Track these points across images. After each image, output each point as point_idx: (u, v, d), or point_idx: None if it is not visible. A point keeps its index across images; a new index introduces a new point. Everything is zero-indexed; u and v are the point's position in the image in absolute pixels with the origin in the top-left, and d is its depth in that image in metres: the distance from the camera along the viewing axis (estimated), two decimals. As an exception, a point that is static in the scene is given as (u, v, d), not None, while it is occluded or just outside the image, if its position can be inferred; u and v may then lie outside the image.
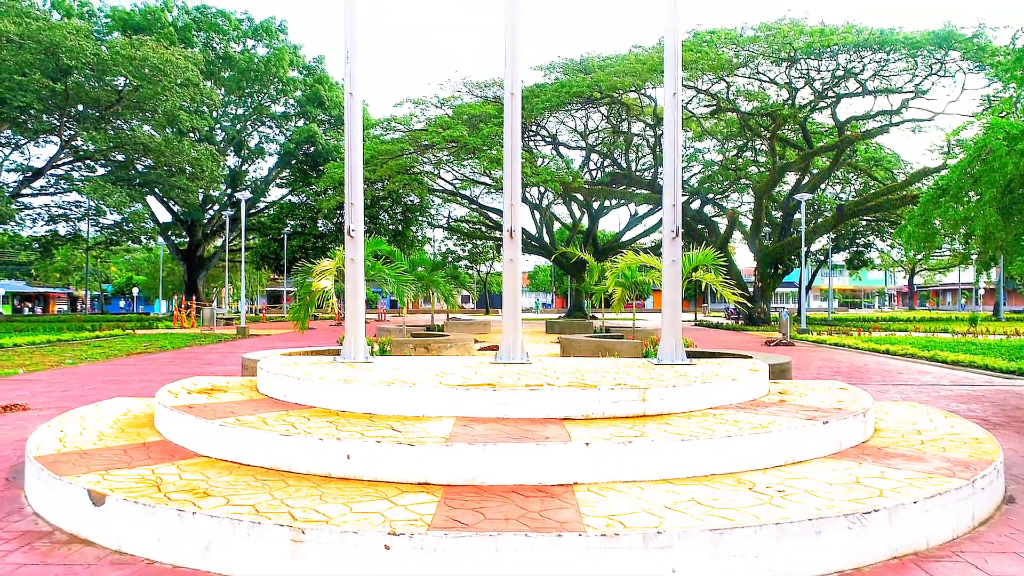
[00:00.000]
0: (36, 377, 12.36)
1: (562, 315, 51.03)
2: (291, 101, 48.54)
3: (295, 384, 6.44)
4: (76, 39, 30.25)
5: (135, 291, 73.43)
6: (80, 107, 34.27)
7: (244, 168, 50.09)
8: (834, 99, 31.85)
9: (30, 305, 70.90)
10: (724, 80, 32.22)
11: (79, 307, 72.63)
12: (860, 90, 30.92)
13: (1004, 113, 13.69)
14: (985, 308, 63.55)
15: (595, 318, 35.03)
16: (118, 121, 35.88)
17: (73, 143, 36.68)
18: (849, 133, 32.33)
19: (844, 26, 28.21)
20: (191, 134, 41.13)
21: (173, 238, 50.31)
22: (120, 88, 33.45)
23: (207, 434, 5.22)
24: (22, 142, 37.62)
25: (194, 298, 42.14)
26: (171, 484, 4.32)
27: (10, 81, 28.91)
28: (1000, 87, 23.50)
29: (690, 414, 5.75)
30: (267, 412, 5.81)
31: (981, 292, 73.98)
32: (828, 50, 28.12)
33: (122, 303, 78.84)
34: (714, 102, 33.98)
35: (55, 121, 34.31)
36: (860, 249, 48.35)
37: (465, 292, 79.63)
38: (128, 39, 33.49)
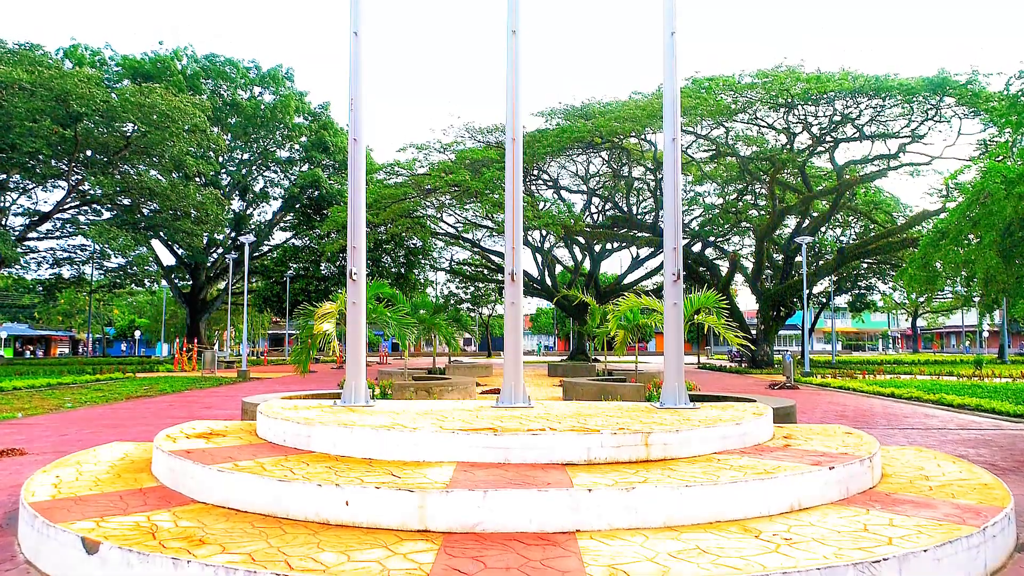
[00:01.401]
0: (34, 421, 12.27)
1: (564, 358, 50.81)
2: (296, 146, 49.21)
3: (294, 429, 6.38)
4: (87, 87, 30.85)
5: (137, 334, 73.41)
6: (88, 152, 34.77)
7: (248, 212, 50.55)
8: (832, 144, 32.23)
9: (31, 348, 70.84)
10: (723, 125, 32.67)
11: (80, 350, 72.55)
12: (857, 135, 31.30)
13: (1001, 157, 13.85)
14: (989, 351, 63.20)
15: (597, 361, 34.88)
16: (125, 166, 36.34)
17: (80, 187, 37.11)
18: (848, 177, 32.62)
19: (840, 73, 28.71)
20: (197, 178, 41.62)
21: (176, 281, 50.49)
22: (128, 134, 33.98)
23: (204, 480, 5.15)
24: (30, 187, 38.05)
25: (196, 341, 42.07)
26: (166, 531, 4.24)
27: (21, 127, 29.39)
28: (995, 132, 23.81)
29: (694, 459, 5.67)
30: (266, 457, 5.75)
31: (985, 335, 73.65)
32: (825, 96, 28.56)
33: (124, 346, 78.75)
34: (713, 147, 34.39)
35: (63, 166, 34.78)
36: (862, 292, 48.35)
37: (467, 335, 79.55)
38: (138, 86, 34.14)
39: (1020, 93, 13.70)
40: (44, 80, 29.82)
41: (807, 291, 31.01)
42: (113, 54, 42.84)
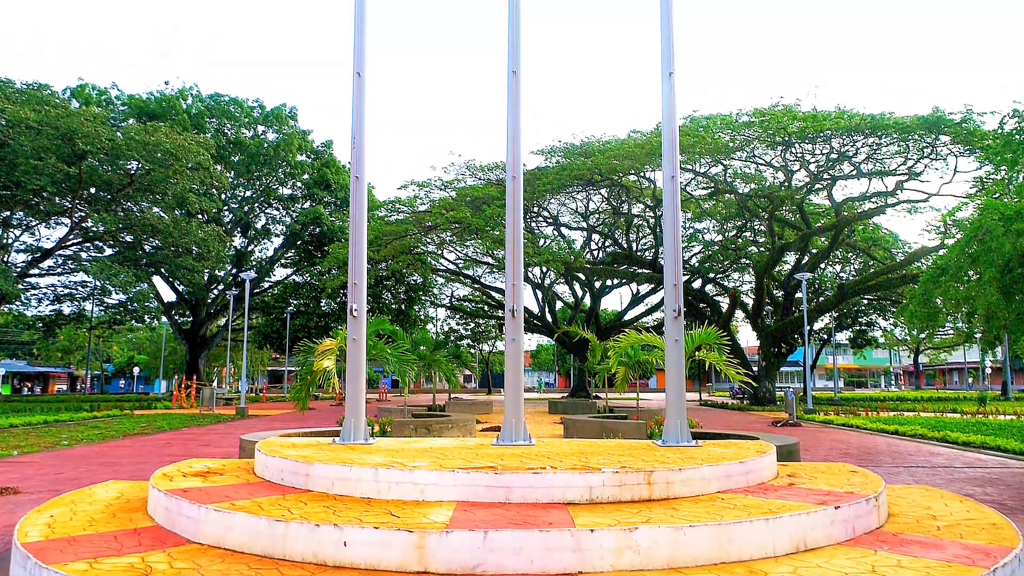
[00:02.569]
0: (30, 459, 12.14)
1: (565, 395, 50.50)
2: (298, 184, 49.60)
3: (292, 467, 6.31)
4: (93, 125, 31.23)
5: (135, 370, 73.07)
6: (92, 189, 35.04)
7: (250, 248, 50.74)
8: (830, 181, 32.48)
9: (29, 385, 70.44)
10: (721, 163, 32.98)
11: (79, 387, 72.10)
12: (855, 172, 31.56)
13: (997, 194, 13.95)
14: (992, 387, 62.78)
15: (598, 398, 34.64)
16: (128, 203, 36.60)
17: (83, 224, 37.32)
18: (846, 214, 32.81)
19: (836, 111, 29.09)
20: (199, 215, 41.88)
21: (176, 317, 50.43)
22: (132, 171, 34.29)
23: (200, 519, 5.08)
24: (33, 223, 38.26)
25: (194, 378, 41.85)
26: (161, 573, 4.16)
27: (26, 165, 29.66)
28: (991, 169, 24.03)
29: (697, 498, 5.60)
30: (263, 496, 5.67)
31: (988, 371, 73.25)
32: (821, 134, 28.88)
33: (122, 383, 78.32)
34: (712, 184, 34.67)
35: (67, 203, 35.02)
36: (863, 328, 48.24)
37: (467, 371, 79.19)
38: (143, 125, 34.57)
39: (1015, 131, 13.87)
40: (50, 119, 30.21)
41: (808, 327, 30.92)
42: (119, 93, 43.47)
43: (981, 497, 8.13)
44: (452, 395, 36.20)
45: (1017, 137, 13.78)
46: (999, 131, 16.11)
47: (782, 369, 47.71)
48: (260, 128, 47.51)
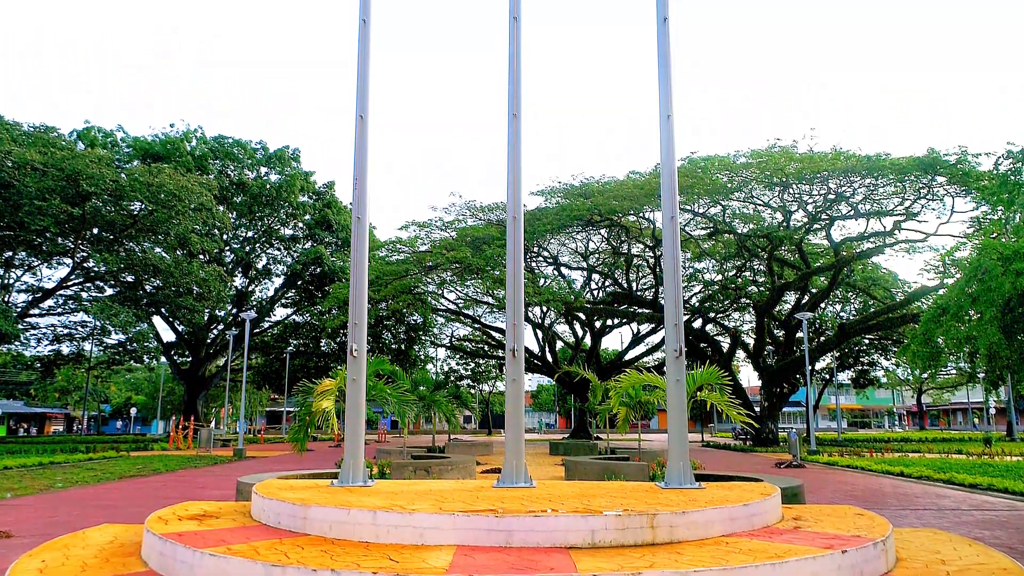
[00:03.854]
0: (23, 502, 11.97)
1: (566, 436, 50.02)
2: (300, 224, 49.91)
3: (289, 510, 6.21)
4: (97, 167, 31.56)
5: (133, 411, 72.52)
6: (95, 230, 35.26)
7: (250, 288, 50.83)
8: (828, 221, 32.70)
9: (25, 426, 69.83)
10: (720, 203, 33.23)
11: (75, 427, 71.50)
12: (852, 213, 31.79)
13: (995, 234, 14.04)
14: (997, 428, 62.18)
15: (599, 439, 34.31)
16: (131, 243, 36.78)
17: (85, 264, 37.45)
18: (845, 254, 32.94)
19: (832, 153, 29.44)
20: (201, 255, 42.06)
21: (175, 357, 50.26)
22: (136, 212, 34.55)
23: (195, 564, 4.98)
24: (35, 264, 38.40)
25: (192, 418, 41.51)
26: (153, 620, 4.07)
27: (30, 206, 29.91)
28: (988, 209, 24.20)
29: (702, 542, 5.50)
30: (260, 540, 5.57)
31: (992, 411, 72.66)
32: (818, 175, 29.16)
33: (119, 424, 77.65)
34: (711, 224, 34.89)
35: (69, 243, 35.19)
36: (865, 368, 48.03)
37: (467, 412, 78.56)
38: (147, 167, 34.92)
39: (1009, 172, 14.04)
40: (56, 161, 30.55)
41: (810, 367, 30.79)
42: (125, 135, 44.02)
43: (991, 541, 7.98)
44: (452, 436, 35.82)
45: (1012, 177, 13.94)
46: (994, 171, 16.31)
47: (784, 409, 47.40)
48: (263, 169, 48.03)
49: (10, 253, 35.95)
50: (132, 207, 34.46)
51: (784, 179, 29.65)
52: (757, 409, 35.15)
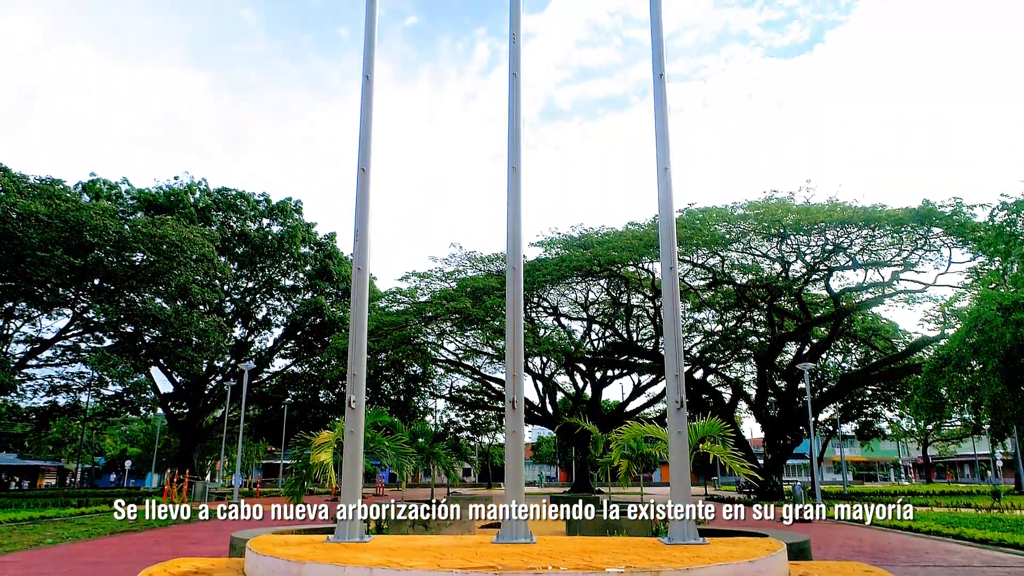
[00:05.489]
0: (11, 559, 11.69)
1: (567, 489, 49.20)
2: (301, 275, 50.10)
3: (284, 567, 6.07)
4: (101, 219, 31.86)
5: (127, 464, 71.42)
6: (96, 280, 35.37)
7: (250, 338, 50.72)
8: (826, 272, 32.86)
9: (17, 480, 68.69)
10: (718, 254, 33.44)
11: (68, 480, 70.35)
12: (850, 263, 31.95)
13: (993, 285, 14.10)
14: (1006, 481, 61.17)
15: (601, 492, 33.70)
16: (131, 294, 36.84)
17: (85, 315, 37.44)
18: (844, 304, 32.98)
19: (828, 204, 29.76)
20: (201, 306, 42.09)
21: (172, 409, 49.79)
22: (137, 263, 34.72)
23: (186, 624, 4.84)
24: (35, 314, 38.37)
25: (187, 471, 40.89)
26: None
27: (33, 257, 30.07)
28: (985, 260, 24.34)
29: (706, 601, 5.35)
30: (252, 599, 5.42)
31: (999, 464, 71.59)
32: (816, 226, 29.43)
33: (112, 476, 76.39)
34: (710, 275, 35.04)
35: (70, 294, 35.25)
36: (869, 419, 47.54)
37: (467, 464, 77.42)
38: (150, 218, 35.25)
39: (1005, 223, 14.17)
40: (60, 212, 30.85)
41: (813, 418, 30.49)
42: (129, 187, 44.54)
43: (1003, 599, 7.78)
44: (451, 489, 35.23)
45: (1008, 228, 14.07)
46: (990, 223, 16.47)
47: (788, 462, 46.70)
48: (265, 221, 48.48)
49: (11, 304, 35.98)
50: (134, 258, 34.65)
51: (782, 230, 29.91)
52: (760, 461, 34.66)
